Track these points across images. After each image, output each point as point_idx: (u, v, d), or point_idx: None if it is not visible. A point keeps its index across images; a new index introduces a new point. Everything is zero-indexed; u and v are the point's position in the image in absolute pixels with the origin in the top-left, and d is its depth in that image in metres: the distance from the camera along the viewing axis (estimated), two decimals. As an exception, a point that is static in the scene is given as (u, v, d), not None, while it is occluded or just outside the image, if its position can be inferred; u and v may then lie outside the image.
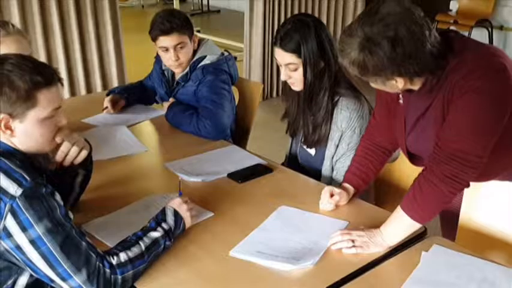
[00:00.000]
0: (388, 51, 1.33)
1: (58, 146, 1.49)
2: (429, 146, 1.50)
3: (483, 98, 1.39)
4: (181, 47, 2.32)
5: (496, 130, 1.43)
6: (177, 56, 2.33)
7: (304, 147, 2.09)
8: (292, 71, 1.92)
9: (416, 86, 1.48)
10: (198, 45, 2.42)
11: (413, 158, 1.70)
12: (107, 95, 2.62)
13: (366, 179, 1.79)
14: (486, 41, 6.05)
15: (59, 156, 1.53)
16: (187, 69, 2.39)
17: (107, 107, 2.53)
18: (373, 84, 1.47)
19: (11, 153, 1.33)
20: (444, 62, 1.42)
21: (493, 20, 5.93)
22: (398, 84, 1.43)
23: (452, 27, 6.14)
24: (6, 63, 1.31)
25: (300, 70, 1.91)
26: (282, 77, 1.95)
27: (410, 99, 1.58)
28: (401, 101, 1.56)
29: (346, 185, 1.77)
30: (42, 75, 1.34)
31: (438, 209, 1.49)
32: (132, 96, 2.64)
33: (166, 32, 2.28)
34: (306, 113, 2.00)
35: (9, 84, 1.29)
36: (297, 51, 1.88)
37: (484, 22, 5.88)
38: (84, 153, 1.56)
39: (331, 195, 1.70)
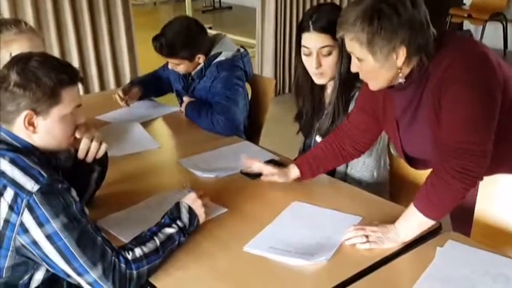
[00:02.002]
0: (410, 9, 1.36)
1: (76, 142, 1.51)
2: (427, 148, 1.50)
3: (469, 86, 1.40)
4: (176, 64, 2.35)
5: (491, 115, 1.43)
6: (174, 67, 2.37)
7: (319, 141, 2.07)
8: (325, 55, 1.85)
9: (406, 71, 1.47)
10: (214, 41, 2.42)
11: (411, 162, 1.70)
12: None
13: (315, 172, 1.81)
14: (500, 35, 5.98)
15: (81, 154, 1.54)
16: (202, 64, 2.39)
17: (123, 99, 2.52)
18: (371, 64, 1.44)
19: (29, 150, 1.35)
20: (435, 49, 1.44)
21: (507, 13, 5.86)
22: (398, 61, 1.42)
23: (466, 21, 6.09)
24: (32, 60, 1.33)
25: (334, 54, 1.85)
26: (313, 65, 1.86)
27: (396, 101, 1.58)
28: (401, 80, 1.50)
29: (293, 167, 1.79)
30: (67, 74, 1.37)
31: (452, 206, 1.48)
32: (148, 87, 2.63)
33: (157, 52, 2.30)
34: (339, 99, 1.92)
35: (36, 80, 1.31)
36: (333, 33, 1.82)
37: (498, 16, 5.81)
38: (104, 147, 1.57)
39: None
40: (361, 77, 1.53)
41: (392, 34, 1.38)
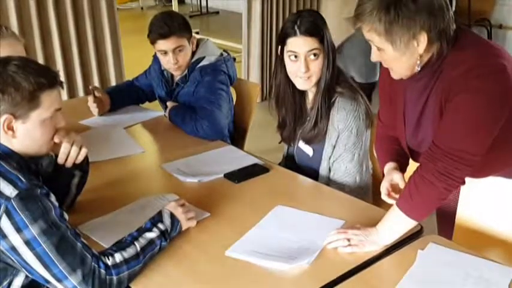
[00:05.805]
0: None
1: (56, 147, 1.49)
2: (430, 143, 1.49)
3: (480, 98, 1.38)
4: (180, 50, 2.32)
5: (492, 129, 1.43)
6: (176, 59, 2.33)
7: (302, 147, 2.08)
8: (313, 59, 1.86)
9: (425, 57, 1.44)
10: (197, 45, 2.42)
11: (414, 155, 1.70)
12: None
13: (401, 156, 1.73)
14: (485, 40, 6.04)
15: (60, 159, 1.53)
16: (186, 70, 2.39)
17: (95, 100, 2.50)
18: (391, 53, 1.41)
19: (8, 155, 1.34)
20: (452, 42, 1.41)
21: (491, 18, 5.93)
22: (420, 47, 1.39)
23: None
24: (10, 64, 1.33)
25: (321, 58, 1.87)
26: (302, 69, 1.85)
27: (405, 94, 1.58)
28: (417, 68, 1.47)
29: (391, 164, 1.71)
30: (46, 77, 1.36)
31: (434, 206, 1.49)
32: (116, 99, 2.58)
33: (164, 36, 2.27)
34: (322, 105, 1.92)
35: (14, 85, 1.30)
36: (319, 36, 1.85)
37: (483, 21, 5.87)
38: (84, 151, 1.56)
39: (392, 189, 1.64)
40: (384, 65, 1.50)
41: (410, 21, 1.35)
